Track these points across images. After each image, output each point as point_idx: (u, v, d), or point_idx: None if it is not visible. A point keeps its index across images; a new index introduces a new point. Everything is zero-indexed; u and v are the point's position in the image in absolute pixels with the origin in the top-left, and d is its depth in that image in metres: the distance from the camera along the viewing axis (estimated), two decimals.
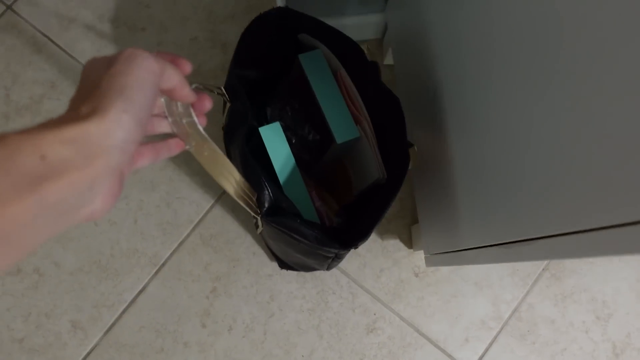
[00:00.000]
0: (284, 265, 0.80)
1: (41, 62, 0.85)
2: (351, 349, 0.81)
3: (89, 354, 0.81)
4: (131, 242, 0.83)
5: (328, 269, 0.74)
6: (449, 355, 0.81)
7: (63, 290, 0.82)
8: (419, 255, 0.84)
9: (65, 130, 0.24)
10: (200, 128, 0.37)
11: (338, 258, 0.64)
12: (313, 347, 0.81)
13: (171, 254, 0.83)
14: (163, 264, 0.83)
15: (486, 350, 0.81)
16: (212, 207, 0.84)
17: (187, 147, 0.37)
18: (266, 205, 0.55)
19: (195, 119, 0.37)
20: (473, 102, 0.51)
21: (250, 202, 0.51)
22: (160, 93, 0.32)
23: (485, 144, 0.49)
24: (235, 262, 0.83)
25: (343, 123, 0.62)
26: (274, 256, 0.81)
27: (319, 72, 0.64)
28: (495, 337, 0.82)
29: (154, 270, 0.83)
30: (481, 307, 0.83)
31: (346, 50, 0.64)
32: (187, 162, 0.84)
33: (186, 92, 0.33)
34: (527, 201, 0.42)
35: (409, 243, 0.84)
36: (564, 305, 0.83)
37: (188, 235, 0.83)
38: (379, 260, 0.83)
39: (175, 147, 0.37)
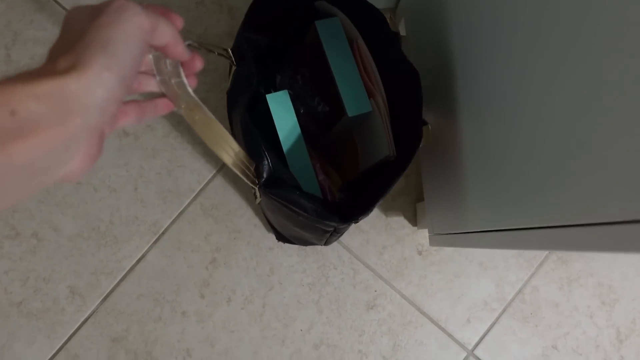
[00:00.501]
0: (281, 237, 0.79)
1: (43, 21, 0.83)
2: (350, 325, 0.80)
3: (86, 320, 0.80)
4: (131, 209, 0.82)
5: (326, 243, 0.72)
6: (450, 335, 0.80)
7: (61, 256, 0.81)
8: (423, 234, 0.82)
9: (39, 84, 0.22)
10: (190, 90, 0.35)
11: (337, 233, 0.63)
12: (312, 322, 0.81)
13: (171, 223, 0.82)
14: (163, 233, 0.81)
15: (487, 331, 0.80)
16: (213, 176, 0.82)
17: (177, 109, 0.35)
18: (265, 175, 0.53)
19: (185, 79, 0.34)
20: (490, 81, 0.48)
21: (248, 172, 0.49)
22: (149, 49, 0.30)
23: (499, 126, 0.47)
24: (236, 233, 0.82)
25: (356, 95, 0.60)
26: (272, 228, 0.79)
27: (335, 41, 0.62)
28: (498, 319, 0.81)
29: (154, 239, 0.81)
30: (484, 288, 0.81)
31: (367, 19, 0.61)
32: (190, 130, 0.82)
33: (180, 50, 0.31)
34: (537, 189, 0.40)
35: (414, 221, 0.82)
36: (569, 289, 0.81)
37: (189, 205, 0.82)
38: (382, 237, 0.82)
39: (162, 107, 0.35)
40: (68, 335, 0.80)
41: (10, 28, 0.82)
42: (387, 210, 0.82)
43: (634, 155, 0.28)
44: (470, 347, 0.80)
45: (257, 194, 0.59)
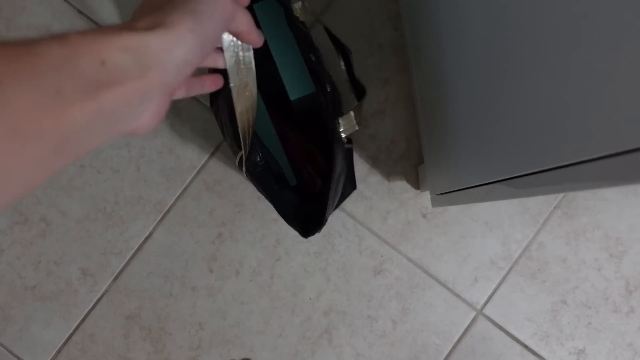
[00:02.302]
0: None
1: (34, 7, 0.83)
2: (358, 291, 0.81)
3: (99, 299, 0.82)
4: (135, 189, 0.83)
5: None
6: (458, 296, 0.81)
7: (71, 238, 0.82)
8: (426, 197, 0.82)
9: (126, 37, 0.23)
10: (254, 64, 0.37)
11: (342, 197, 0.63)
12: (320, 290, 0.81)
13: (175, 200, 0.82)
14: (168, 211, 0.82)
15: (495, 289, 0.81)
16: (214, 152, 0.83)
17: (232, 84, 0.37)
18: (251, 160, 0.54)
19: (252, 54, 0.37)
20: (473, 18, 0.48)
21: (246, 149, 0.51)
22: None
23: (491, 72, 0.46)
24: (240, 207, 0.82)
25: (298, 78, 0.59)
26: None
27: (274, 24, 0.61)
28: (505, 277, 0.81)
29: (159, 217, 0.82)
30: (490, 246, 0.81)
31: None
32: (188, 107, 0.83)
33: (253, 37, 0.34)
34: (537, 129, 0.39)
35: (416, 184, 0.82)
36: (576, 244, 0.81)
37: (192, 181, 0.82)
38: (385, 202, 0.82)
39: (209, 84, 0.37)
40: (83, 315, 0.82)
41: (3, 15, 0.83)
42: (389, 175, 0.82)
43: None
44: (479, 307, 0.81)
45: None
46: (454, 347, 0.81)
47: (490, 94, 0.47)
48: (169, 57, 0.24)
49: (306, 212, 0.58)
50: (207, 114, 0.83)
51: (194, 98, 0.83)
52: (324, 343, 0.81)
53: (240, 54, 0.36)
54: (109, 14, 0.83)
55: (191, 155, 0.83)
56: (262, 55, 0.63)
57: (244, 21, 0.31)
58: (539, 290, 0.80)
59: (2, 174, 0.19)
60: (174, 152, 0.83)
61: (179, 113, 0.83)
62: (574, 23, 0.32)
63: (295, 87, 0.58)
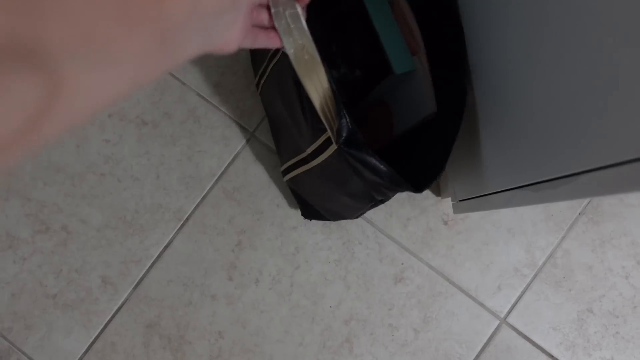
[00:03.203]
0: (308, 213, 0.78)
1: None
2: (379, 299, 0.80)
3: (119, 308, 0.82)
4: (155, 197, 0.83)
5: (358, 216, 0.72)
6: (481, 304, 0.79)
7: (91, 247, 0.82)
8: (448, 203, 0.81)
9: None
10: (304, 21, 0.35)
11: (380, 203, 0.62)
12: (341, 298, 0.80)
13: (195, 208, 0.82)
14: (187, 219, 0.82)
15: (519, 298, 0.79)
16: (233, 159, 0.83)
17: (285, 47, 0.35)
18: (344, 134, 0.51)
19: (300, 10, 0.34)
20: (495, 31, 0.47)
21: (332, 124, 0.48)
22: None
23: (509, 78, 0.45)
24: (259, 214, 0.82)
25: (401, 53, 0.58)
26: (299, 203, 0.78)
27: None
28: (529, 285, 0.79)
29: (179, 225, 0.82)
30: (514, 254, 0.80)
31: None
32: (206, 115, 0.83)
33: None
34: (558, 134, 0.38)
35: (437, 190, 0.81)
36: (603, 251, 0.79)
37: (211, 189, 0.82)
38: (405, 209, 0.81)
39: (275, 39, 0.36)
40: (103, 324, 0.82)
41: None
42: None
43: None
44: (502, 315, 0.79)
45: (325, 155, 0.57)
46: (477, 356, 0.79)
47: (519, 97, 0.46)
48: None
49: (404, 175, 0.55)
50: (227, 120, 0.83)
51: (214, 105, 0.83)
52: (344, 352, 0.80)
53: (286, 12, 0.34)
54: None
55: (210, 163, 0.83)
56: (353, 36, 0.62)
57: None
58: (564, 299, 0.78)
59: (118, 56, 0.19)
60: (193, 159, 0.83)
61: (198, 120, 0.83)
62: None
63: (400, 62, 0.57)
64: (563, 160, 0.38)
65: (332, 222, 0.81)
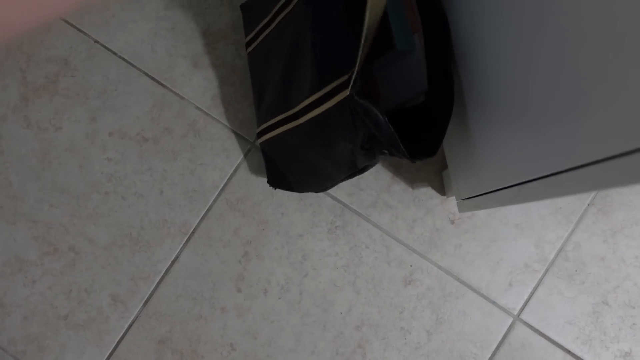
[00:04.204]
0: (275, 181, 0.76)
1: (52, 40, 0.85)
2: (390, 303, 0.79)
3: (130, 325, 0.82)
4: (159, 213, 0.83)
5: (325, 189, 0.71)
6: (493, 302, 0.78)
7: (99, 266, 0.83)
8: (453, 202, 0.80)
9: None
10: None
11: (359, 173, 0.62)
12: (351, 304, 0.80)
13: (200, 222, 0.82)
14: (193, 232, 0.82)
15: (532, 293, 0.78)
16: (235, 171, 0.82)
17: None
18: (359, 83, 0.51)
19: None
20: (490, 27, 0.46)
21: (355, 65, 0.48)
22: None
23: (511, 70, 0.45)
24: (264, 224, 0.82)
25: (403, 30, 0.58)
26: (269, 169, 0.77)
27: None
28: (541, 280, 0.78)
29: (185, 239, 0.82)
30: (523, 249, 0.78)
31: None
32: (206, 128, 0.83)
33: None
34: (563, 127, 0.38)
35: (442, 190, 0.80)
36: (614, 241, 0.77)
37: (215, 201, 0.82)
38: (411, 211, 0.80)
39: None
40: (115, 342, 0.82)
41: (23, 50, 0.84)
42: (413, 183, 0.81)
43: None
44: (515, 312, 0.78)
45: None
46: (493, 355, 0.78)
47: (514, 88, 0.45)
48: None
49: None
50: (227, 132, 0.83)
51: (213, 117, 0.83)
52: (357, 358, 0.79)
53: None
54: (123, 42, 0.84)
55: (212, 176, 0.83)
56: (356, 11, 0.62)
57: None
58: (578, 292, 0.77)
59: None
60: (195, 173, 0.83)
61: (198, 133, 0.83)
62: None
63: (403, 37, 0.57)
64: (567, 154, 0.38)
65: (338, 228, 0.81)
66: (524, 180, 0.47)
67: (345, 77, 0.51)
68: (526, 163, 0.46)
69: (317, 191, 0.74)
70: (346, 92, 0.51)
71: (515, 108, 0.46)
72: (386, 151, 0.56)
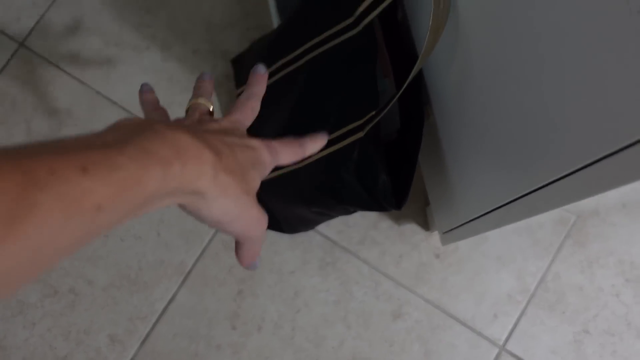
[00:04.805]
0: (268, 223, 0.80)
1: (55, 92, 0.90)
2: (380, 336, 0.82)
3: None
4: (157, 253, 0.86)
5: (312, 228, 0.79)
6: (479, 333, 0.81)
7: (98, 306, 0.85)
8: (437, 237, 0.84)
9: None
10: None
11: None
12: (342, 338, 0.83)
13: (196, 261, 0.86)
14: (189, 272, 0.85)
15: (515, 324, 0.81)
16: None
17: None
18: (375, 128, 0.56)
19: None
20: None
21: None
22: None
23: (483, 95, 0.50)
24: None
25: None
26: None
27: None
28: (524, 310, 0.81)
29: (181, 279, 0.85)
30: (506, 281, 0.82)
31: None
32: None
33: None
34: (530, 147, 0.42)
35: (426, 225, 0.85)
36: (591, 271, 0.81)
37: (210, 241, 0.86)
38: (397, 246, 0.84)
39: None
40: None
41: (27, 101, 0.90)
42: (398, 219, 0.85)
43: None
44: (500, 343, 0.81)
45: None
46: None
47: (476, 118, 0.50)
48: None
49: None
50: None
51: None
52: None
53: None
54: (124, 93, 0.90)
55: None
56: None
57: (287, 160, 0.35)
58: (559, 322, 0.80)
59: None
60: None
61: None
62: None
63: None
64: (539, 172, 0.41)
65: (329, 264, 0.84)
66: (495, 206, 0.51)
67: (357, 123, 0.56)
68: (496, 190, 0.50)
69: (306, 230, 0.78)
70: (359, 134, 0.56)
71: (480, 144, 0.51)
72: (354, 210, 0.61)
